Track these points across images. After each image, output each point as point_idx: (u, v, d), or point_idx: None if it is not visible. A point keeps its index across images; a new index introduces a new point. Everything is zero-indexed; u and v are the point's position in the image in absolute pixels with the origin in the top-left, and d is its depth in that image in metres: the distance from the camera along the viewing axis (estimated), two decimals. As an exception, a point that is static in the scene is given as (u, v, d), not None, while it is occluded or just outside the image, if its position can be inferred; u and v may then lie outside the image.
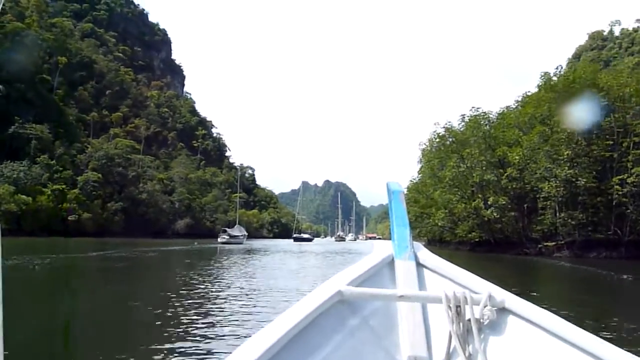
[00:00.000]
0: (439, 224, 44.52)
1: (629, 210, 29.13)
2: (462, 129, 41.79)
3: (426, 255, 1.63)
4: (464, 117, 40.86)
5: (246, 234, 66.77)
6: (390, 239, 1.71)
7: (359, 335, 1.38)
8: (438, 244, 52.36)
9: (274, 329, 1.17)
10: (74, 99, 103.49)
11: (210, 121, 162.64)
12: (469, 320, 1.34)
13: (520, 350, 1.31)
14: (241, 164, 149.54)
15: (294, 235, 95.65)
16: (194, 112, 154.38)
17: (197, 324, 6.66)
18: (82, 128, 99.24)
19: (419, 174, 54.31)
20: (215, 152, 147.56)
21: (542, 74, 37.43)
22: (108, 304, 8.82)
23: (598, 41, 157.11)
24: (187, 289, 10.50)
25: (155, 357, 4.95)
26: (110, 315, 7.73)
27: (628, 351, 1.21)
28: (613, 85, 29.61)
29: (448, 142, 43.08)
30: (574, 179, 29.82)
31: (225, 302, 8.75)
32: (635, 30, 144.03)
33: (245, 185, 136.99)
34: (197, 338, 5.80)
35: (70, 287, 11.26)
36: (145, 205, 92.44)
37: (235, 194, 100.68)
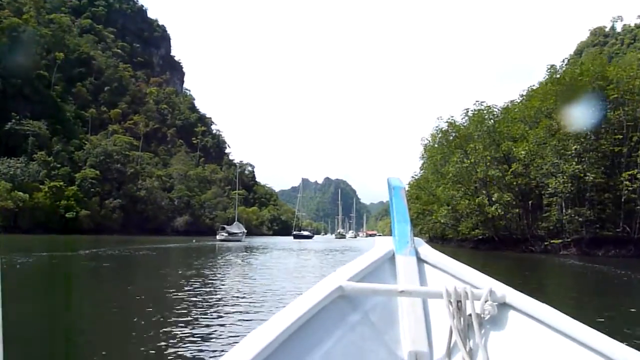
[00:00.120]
0: (442, 220, 43.76)
1: (638, 207, 28.27)
2: (465, 124, 40.93)
3: (427, 251, 1.64)
4: (468, 112, 39.99)
5: (245, 231, 66.03)
6: (390, 236, 1.72)
7: (360, 331, 1.38)
8: (440, 241, 51.71)
9: (275, 324, 1.19)
10: (72, 95, 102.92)
11: (210, 118, 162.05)
12: (470, 315, 1.34)
13: (521, 345, 1.31)
14: (241, 161, 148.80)
15: (294, 233, 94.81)
16: (193, 108, 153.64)
17: (178, 335, 5.82)
18: (80, 124, 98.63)
19: (421, 170, 53.53)
20: (215, 149, 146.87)
21: (549, 66, 36.64)
22: (73, 309, 7.98)
23: (600, 37, 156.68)
24: (173, 291, 9.65)
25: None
26: (59, 322, 6.88)
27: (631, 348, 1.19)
28: (623, 78, 28.68)
29: (451, 137, 42.22)
30: (582, 175, 28.95)
31: (212, 307, 7.91)
32: (637, 26, 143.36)
33: (244, 182, 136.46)
34: (179, 346, 4.96)
35: (37, 289, 10.38)
36: (144, 203, 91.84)
37: (235, 191, 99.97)
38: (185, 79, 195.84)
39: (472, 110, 39.28)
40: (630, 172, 28.25)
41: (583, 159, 29.44)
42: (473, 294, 1.36)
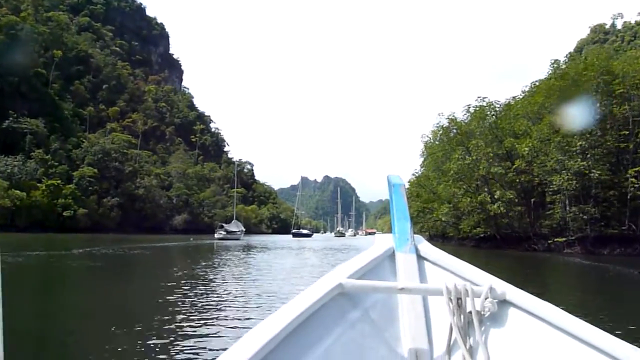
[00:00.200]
0: (442, 218, 43.20)
1: (644, 205, 27.78)
2: (466, 120, 40.35)
3: (427, 248, 1.63)
4: (469, 108, 39.36)
5: (244, 229, 65.54)
6: (390, 233, 1.71)
7: (360, 328, 1.39)
8: (440, 239, 51.17)
9: (275, 322, 1.19)
10: (70, 93, 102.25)
11: (209, 116, 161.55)
12: (470, 312, 1.34)
13: (522, 342, 1.31)
14: (240, 159, 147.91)
15: (293, 231, 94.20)
16: (192, 106, 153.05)
17: (178, 334, 5.29)
18: (78, 122, 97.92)
19: (422, 167, 52.99)
20: (214, 147, 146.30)
21: (552, 61, 36.07)
22: (51, 312, 7.45)
23: (600, 34, 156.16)
24: (162, 294, 9.12)
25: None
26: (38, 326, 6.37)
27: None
28: (629, 72, 28.09)
29: (452, 134, 41.65)
30: (586, 172, 28.39)
31: (208, 308, 7.42)
32: (638, 23, 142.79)
33: (243, 180, 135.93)
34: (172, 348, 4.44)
35: (25, 289, 9.88)
36: (142, 201, 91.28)
37: (234, 189, 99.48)
38: (184, 77, 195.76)
39: (473, 107, 38.72)
40: (636, 169, 27.72)
41: (588, 156, 28.89)
42: (473, 291, 1.36)
